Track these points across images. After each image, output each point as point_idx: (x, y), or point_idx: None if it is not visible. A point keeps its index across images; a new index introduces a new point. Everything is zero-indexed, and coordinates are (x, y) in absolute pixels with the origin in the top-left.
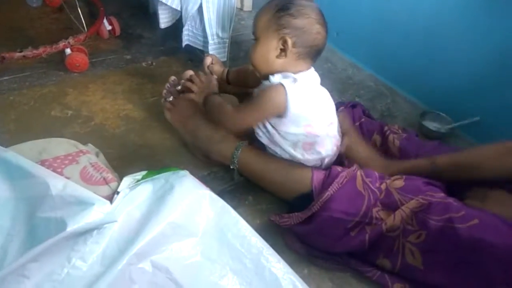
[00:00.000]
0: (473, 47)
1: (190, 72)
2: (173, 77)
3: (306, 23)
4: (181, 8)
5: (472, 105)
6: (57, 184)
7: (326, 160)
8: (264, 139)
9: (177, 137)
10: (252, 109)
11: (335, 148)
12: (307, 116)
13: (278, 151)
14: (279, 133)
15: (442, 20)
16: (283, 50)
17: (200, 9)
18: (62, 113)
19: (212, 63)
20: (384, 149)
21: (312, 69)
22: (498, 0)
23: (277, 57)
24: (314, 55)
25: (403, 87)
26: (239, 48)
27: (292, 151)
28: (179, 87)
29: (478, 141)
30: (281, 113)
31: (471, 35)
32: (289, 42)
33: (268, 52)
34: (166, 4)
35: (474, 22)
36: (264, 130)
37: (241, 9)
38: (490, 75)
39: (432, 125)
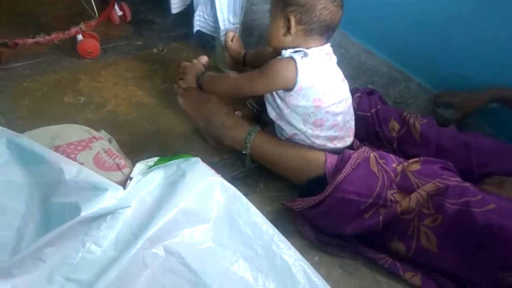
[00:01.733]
0: (488, 31)
1: (205, 58)
2: (186, 63)
3: (310, 0)
4: None
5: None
6: (71, 169)
7: (338, 144)
8: (273, 115)
9: (189, 124)
10: (260, 77)
11: (350, 136)
12: (317, 90)
13: (287, 128)
14: (288, 107)
15: (455, 4)
16: (289, 28)
17: None
18: (74, 100)
19: (232, 41)
20: (404, 135)
21: (328, 46)
22: None
23: (284, 35)
24: (323, 31)
25: (417, 73)
26: (251, 34)
27: (302, 126)
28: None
29: (494, 129)
30: (290, 86)
31: (486, 19)
32: (292, 20)
33: (277, 30)
34: None
35: (488, 6)
36: (274, 104)
37: None
38: (506, 61)
39: (447, 112)
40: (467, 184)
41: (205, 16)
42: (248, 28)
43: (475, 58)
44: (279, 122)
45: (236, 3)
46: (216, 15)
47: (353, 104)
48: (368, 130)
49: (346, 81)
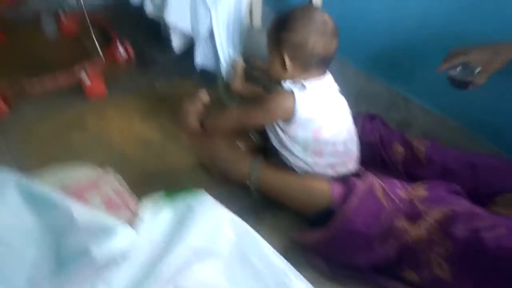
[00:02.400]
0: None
1: (205, 95)
2: (189, 101)
3: (301, 37)
4: (192, 31)
5: (488, 110)
6: (80, 212)
7: (340, 169)
8: (275, 142)
9: (194, 159)
10: (260, 110)
11: (353, 162)
12: (316, 121)
13: (289, 157)
14: (288, 137)
15: (454, 27)
16: (283, 64)
17: (211, 32)
18: (82, 140)
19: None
20: (409, 158)
21: (328, 76)
22: None
23: (281, 70)
24: (318, 64)
25: (418, 96)
26: (252, 67)
27: (302, 154)
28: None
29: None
30: (289, 118)
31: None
32: (286, 57)
33: (274, 66)
34: (178, 29)
35: (492, 29)
36: (275, 133)
37: (251, 26)
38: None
39: (464, 74)
40: (477, 208)
41: (206, 52)
42: (246, 61)
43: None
44: (281, 150)
45: (235, 37)
46: (216, 51)
47: (357, 131)
48: (374, 155)
49: (348, 109)
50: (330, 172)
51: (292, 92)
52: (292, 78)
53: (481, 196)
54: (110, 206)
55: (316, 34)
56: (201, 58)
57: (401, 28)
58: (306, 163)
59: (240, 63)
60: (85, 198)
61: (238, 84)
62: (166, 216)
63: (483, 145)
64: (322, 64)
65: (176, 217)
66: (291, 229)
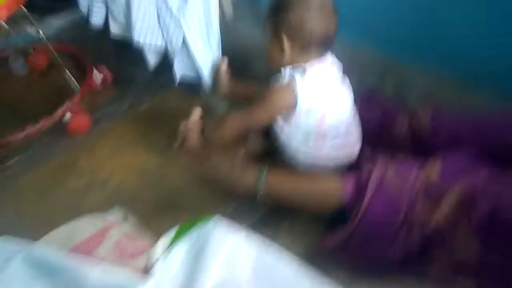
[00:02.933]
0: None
1: (198, 112)
2: (183, 122)
3: (298, 15)
4: (165, 44)
5: (484, 58)
6: (92, 273)
7: (345, 151)
8: (277, 130)
9: (196, 178)
10: (262, 109)
11: (356, 142)
12: (318, 109)
13: (292, 143)
14: (290, 125)
15: None
16: (282, 47)
17: (185, 41)
18: (77, 183)
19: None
20: (414, 129)
21: (328, 56)
22: None
23: (280, 53)
24: (318, 44)
25: (410, 56)
26: (234, 61)
27: (304, 141)
28: (189, 130)
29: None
30: (291, 109)
31: None
32: (285, 38)
33: (273, 50)
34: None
35: None
36: (275, 123)
37: (222, 18)
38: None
39: None
40: (496, 175)
41: (184, 62)
42: (229, 56)
43: (467, 28)
44: (281, 137)
45: (211, 41)
46: (194, 59)
47: (357, 110)
48: (379, 132)
49: (351, 89)
50: (334, 156)
51: (292, 82)
52: (292, 63)
53: (496, 155)
54: (123, 255)
55: (315, 12)
56: (180, 68)
57: None
58: (308, 151)
59: (223, 62)
60: (95, 253)
61: (226, 85)
62: (181, 254)
63: (485, 96)
64: (322, 44)
65: (191, 252)
66: (310, 235)
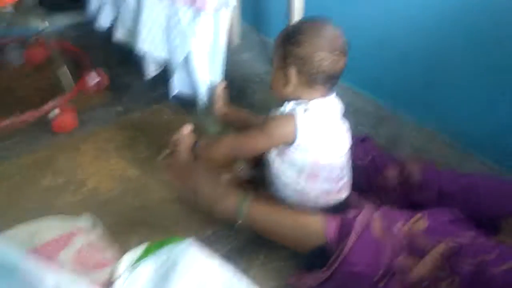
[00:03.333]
0: (473, 66)
1: (188, 128)
2: (174, 137)
3: (308, 52)
4: (168, 56)
5: (478, 122)
6: (49, 280)
7: (333, 197)
8: (267, 166)
9: (176, 195)
10: (260, 135)
11: (346, 189)
12: (316, 146)
13: (279, 181)
14: (283, 161)
15: (441, 40)
16: (288, 79)
17: (188, 56)
18: (53, 181)
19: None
20: (404, 182)
21: (332, 97)
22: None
23: (285, 85)
24: (325, 81)
25: (406, 110)
26: (231, 86)
27: (295, 178)
28: (178, 146)
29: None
30: (289, 142)
31: (473, 53)
32: (291, 72)
33: (279, 80)
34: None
35: (475, 39)
36: (268, 156)
37: (229, 43)
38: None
39: None
40: (482, 239)
41: (184, 77)
42: (228, 81)
43: (466, 90)
44: (271, 172)
45: (214, 63)
46: (195, 76)
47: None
48: (368, 180)
49: (349, 133)
50: (322, 199)
51: (294, 115)
52: (296, 96)
53: (482, 220)
54: (85, 264)
55: (324, 50)
56: (178, 83)
57: (388, 40)
58: (297, 188)
59: (222, 85)
60: (56, 258)
61: (221, 108)
62: (147, 272)
63: (474, 159)
64: (327, 82)
65: (157, 272)
66: (285, 271)
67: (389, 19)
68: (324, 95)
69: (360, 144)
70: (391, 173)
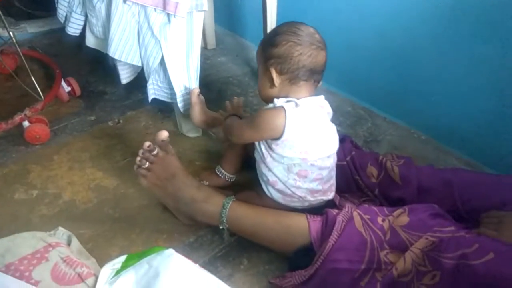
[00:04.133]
0: (443, 62)
1: (164, 134)
2: (148, 143)
3: (285, 49)
4: (141, 63)
5: (452, 119)
6: None
7: (319, 197)
8: (257, 158)
9: (156, 202)
10: (249, 127)
11: (332, 190)
12: (304, 142)
13: (268, 174)
14: (272, 156)
15: (411, 39)
16: (272, 81)
17: (162, 62)
18: (26, 195)
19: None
20: (383, 180)
21: (321, 98)
22: (464, 17)
23: (271, 87)
24: (308, 76)
25: (382, 108)
26: (209, 90)
27: (284, 175)
28: (155, 152)
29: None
30: (277, 135)
31: (442, 52)
32: (273, 72)
33: (264, 83)
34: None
35: (443, 40)
36: (258, 149)
37: (205, 47)
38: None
39: None
40: (462, 232)
41: (159, 84)
42: (205, 84)
43: (438, 87)
44: (261, 166)
45: (189, 66)
46: (170, 82)
47: None
48: (347, 179)
49: (337, 136)
50: (310, 198)
51: (284, 109)
52: (283, 95)
53: (462, 213)
54: (60, 280)
55: (301, 45)
56: (153, 89)
57: (360, 41)
58: (286, 185)
59: (195, 92)
60: (30, 274)
61: (196, 114)
62: (128, 283)
63: (450, 154)
64: (310, 77)
65: (138, 284)
66: (270, 272)
67: (360, 22)
68: (311, 92)
69: (339, 145)
70: (371, 172)
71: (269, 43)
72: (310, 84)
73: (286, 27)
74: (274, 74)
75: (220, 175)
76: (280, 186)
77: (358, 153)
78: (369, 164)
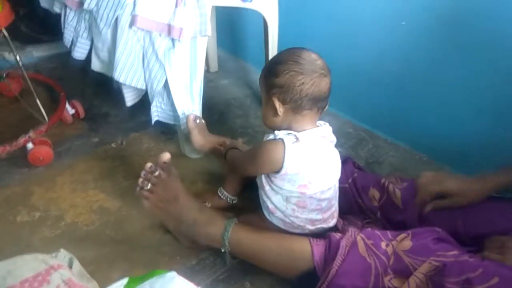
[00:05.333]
0: (442, 85)
1: (167, 156)
2: (149, 164)
3: (287, 79)
4: (146, 86)
5: (452, 140)
6: None
7: (320, 225)
8: (258, 183)
9: (158, 224)
10: (249, 161)
11: (334, 218)
12: (303, 177)
13: (267, 201)
14: (271, 186)
15: (410, 62)
16: (276, 110)
17: (166, 85)
18: (28, 217)
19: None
20: (385, 203)
21: (325, 128)
22: (462, 40)
23: (274, 116)
24: (311, 104)
25: (382, 130)
26: (211, 112)
27: (282, 205)
28: (157, 173)
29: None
30: (276, 169)
31: (439, 74)
32: (276, 101)
33: (268, 112)
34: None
35: (440, 62)
36: (259, 177)
37: (207, 70)
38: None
39: None
40: (466, 256)
41: (163, 107)
42: (208, 107)
43: (437, 108)
44: (261, 193)
45: (193, 89)
46: (173, 104)
47: None
48: (349, 201)
49: (339, 164)
50: (309, 227)
51: (284, 143)
52: (286, 124)
53: (464, 239)
54: None
55: (303, 74)
56: (157, 112)
57: (360, 63)
58: (284, 214)
59: (191, 116)
60: None
61: (195, 139)
62: None
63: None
64: (314, 105)
65: None
66: None
67: (360, 45)
68: (314, 121)
69: (341, 167)
70: (373, 195)
71: (271, 72)
72: (314, 113)
73: (287, 56)
74: (277, 104)
75: (222, 196)
76: (279, 214)
77: (360, 175)
78: (371, 187)
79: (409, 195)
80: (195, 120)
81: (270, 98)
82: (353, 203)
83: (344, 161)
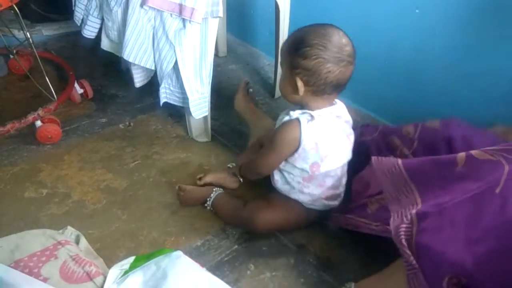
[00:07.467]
0: (454, 74)
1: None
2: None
3: (315, 64)
4: (155, 66)
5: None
6: None
7: (328, 202)
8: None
9: (164, 205)
10: (270, 150)
11: (337, 199)
12: (316, 154)
13: (279, 178)
14: (284, 164)
15: (422, 52)
16: (296, 87)
17: (175, 66)
18: (36, 193)
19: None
20: (422, 131)
21: (339, 106)
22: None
23: (293, 93)
24: (332, 90)
25: (391, 120)
26: (219, 97)
27: (296, 177)
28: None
29: None
30: (296, 148)
31: (454, 64)
32: (299, 83)
33: (286, 86)
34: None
35: (456, 52)
36: None
37: (216, 55)
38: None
39: None
40: None
41: (171, 88)
42: (216, 91)
43: (451, 100)
44: (276, 175)
45: (202, 72)
46: (182, 86)
47: (356, 136)
48: (380, 148)
49: (352, 143)
50: (317, 202)
51: (299, 122)
52: (304, 102)
53: None
54: (69, 278)
55: (331, 62)
56: (165, 93)
57: (371, 52)
58: (294, 188)
59: (245, 80)
60: (39, 271)
61: (240, 100)
62: (136, 284)
63: None
64: (335, 90)
65: (146, 285)
66: (276, 278)
67: (371, 33)
68: (331, 102)
69: (365, 126)
70: (407, 131)
71: (298, 52)
72: (333, 96)
73: (316, 37)
74: (299, 83)
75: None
76: (289, 187)
77: (385, 127)
78: (393, 135)
79: (418, 131)
80: (246, 86)
81: (292, 76)
82: (384, 148)
83: (366, 125)
